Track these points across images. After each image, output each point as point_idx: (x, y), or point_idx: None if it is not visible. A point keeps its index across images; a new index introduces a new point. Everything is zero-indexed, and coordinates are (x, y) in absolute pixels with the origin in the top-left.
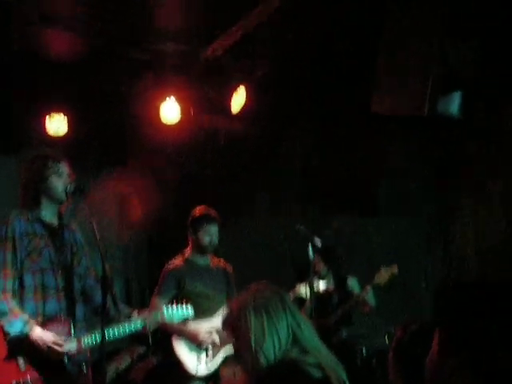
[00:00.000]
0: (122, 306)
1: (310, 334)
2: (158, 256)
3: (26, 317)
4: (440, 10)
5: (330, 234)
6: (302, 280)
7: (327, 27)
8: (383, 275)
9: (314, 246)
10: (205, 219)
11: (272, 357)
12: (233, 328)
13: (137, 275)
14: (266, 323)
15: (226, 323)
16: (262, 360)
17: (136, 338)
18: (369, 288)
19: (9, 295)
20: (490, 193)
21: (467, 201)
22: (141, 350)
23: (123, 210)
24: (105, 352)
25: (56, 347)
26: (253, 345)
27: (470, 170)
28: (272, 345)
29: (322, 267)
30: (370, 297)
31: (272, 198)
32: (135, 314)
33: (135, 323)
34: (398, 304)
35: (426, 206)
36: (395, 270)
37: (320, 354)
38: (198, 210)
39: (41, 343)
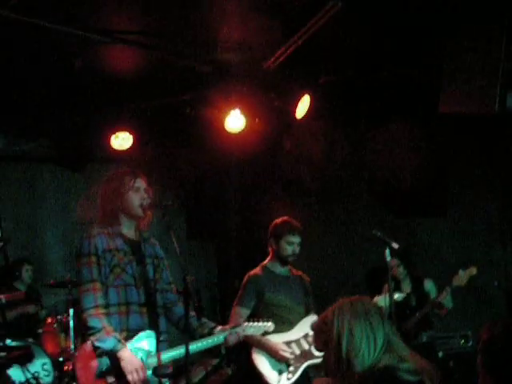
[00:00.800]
0: (204, 320)
1: (401, 342)
2: (226, 264)
3: (118, 336)
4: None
5: (403, 236)
6: (378, 285)
7: (392, 30)
8: (462, 277)
9: (391, 250)
10: (289, 229)
11: (368, 362)
12: (325, 334)
13: (207, 284)
14: (366, 329)
15: (317, 330)
16: (358, 366)
17: (208, 349)
18: (448, 291)
19: (101, 311)
20: None
21: None
22: (214, 361)
23: (191, 221)
24: (189, 366)
25: (132, 375)
26: (345, 350)
27: None
28: (368, 351)
29: (400, 270)
30: (447, 300)
31: (343, 206)
32: (218, 328)
33: (217, 338)
34: (471, 305)
35: (496, 205)
36: (474, 271)
37: (414, 359)
38: (281, 220)
39: (124, 365)
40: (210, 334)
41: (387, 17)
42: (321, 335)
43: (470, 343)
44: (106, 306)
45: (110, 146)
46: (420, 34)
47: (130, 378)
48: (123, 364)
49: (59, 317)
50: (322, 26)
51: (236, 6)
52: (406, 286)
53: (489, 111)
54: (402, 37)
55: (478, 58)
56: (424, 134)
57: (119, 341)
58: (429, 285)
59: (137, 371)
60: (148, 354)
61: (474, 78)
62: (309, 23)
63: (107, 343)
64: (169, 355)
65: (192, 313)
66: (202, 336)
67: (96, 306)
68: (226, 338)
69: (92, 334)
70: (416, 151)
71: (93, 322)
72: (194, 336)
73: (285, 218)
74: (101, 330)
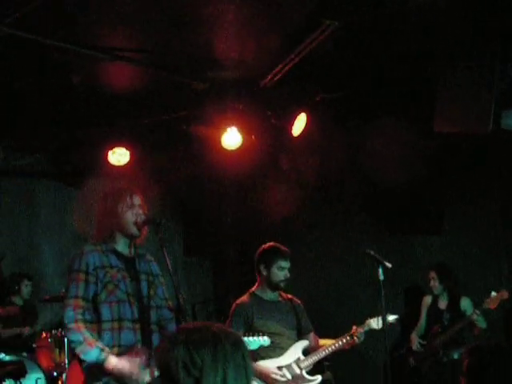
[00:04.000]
0: None
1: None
2: (222, 280)
3: (101, 345)
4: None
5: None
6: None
7: (387, 50)
8: (493, 300)
9: (384, 268)
10: (278, 254)
11: None
12: (160, 363)
13: (203, 302)
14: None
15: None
16: None
17: None
18: (478, 312)
19: (81, 325)
20: None
21: None
22: None
23: (188, 237)
24: None
25: (131, 375)
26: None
27: None
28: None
29: (437, 285)
30: (479, 320)
31: (339, 223)
32: None
33: None
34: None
35: (491, 222)
36: (506, 295)
37: None
38: (269, 246)
39: (116, 371)
40: None
41: (383, 36)
42: (159, 363)
43: None
44: (99, 322)
45: (107, 161)
46: (415, 53)
47: (133, 377)
48: (116, 371)
49: (54, 331)
50: (319, 44)
51: (233, 23)
52: (443, 302)
53: (483, 130)
54: (398, 55)
55: (472, 78)
56: (421, 152)
57: (102, 349)
58: (465, 303)
59: (129, 373)
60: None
61: (468, 98)
62: (305, 42)
63: (90, 355)
64: None
65: None
66: None
67: (76, 321)
68: None
69: (75, 348)
70: (413, 169)
71: (73, 335)
72: None
73: (272, 243)
74: (82, 342)
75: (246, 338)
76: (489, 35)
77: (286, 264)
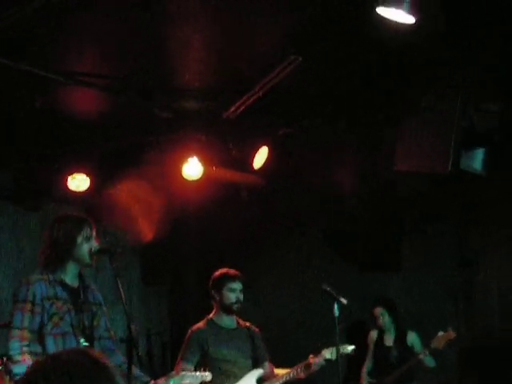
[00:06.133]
0: (138, 373)
1: None
2: (179, 310)
3: None
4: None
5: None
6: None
7: (349, 84)
8: (440, 340)
9: (340, 305)
10: (227, 277)
11: None
12: None
13: (158, 330)
14: None
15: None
16: None
17: None
18: (426, 353)
19: (27, 357)
20: None
21: (491, 255)
22: None
23: (146, 266)
24: None
25: None
26: None
27: (493, 224)
28: None
29: (385, 320)
30: (428, 360)
31: (295, 259)
32: (152, 382)
33: None
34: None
35: (449, 260)
36: (452, 335)
37: None
38: (219, 272)
39: None
40: None
41: (348, 72)
42: None
43: None
44: (43, 355)
45: (66, 186)
46: (378, 88)
47: None
48: None
49: (4, 358)
50: (283, 77)
51: (198, 53)
52: (390, 337)
53: (442, 170)
54: (360, 90)
55: (433, 117)
56: (380, 189)
57: None
58: (412, 337)
59: None
60: None
61: (429, 137)
62: (270, 75)
63: None
64: None
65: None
66: None
67: (22, 353)
68: None
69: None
70: (371, 205)
71: (18, 368)
72: None
73: (222, 269)
74: None
75: (188, 373)
76: (451, 77)
77: (236, 286)
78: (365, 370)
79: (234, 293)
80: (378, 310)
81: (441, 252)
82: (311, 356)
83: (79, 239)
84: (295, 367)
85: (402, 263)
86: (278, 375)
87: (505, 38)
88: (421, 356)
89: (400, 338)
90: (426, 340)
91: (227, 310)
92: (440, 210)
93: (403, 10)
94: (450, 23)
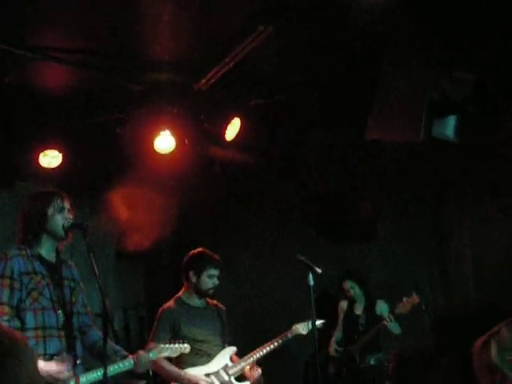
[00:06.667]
0: (117, 348)
1: None
2: (154, 284)
3: None
4: (435, 40)
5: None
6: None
7: (322, 54)
8: (405, 305)
9: (315, 274)
10: (208, 262)
11: None
12: None
13: (134, 304)
14: None
15: None
16: None
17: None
18: (391, 318)
19: None
20: (489, 215)
21: (466, 223)
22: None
23: (119, 240)
24: None
25: (58, 378)
26: None
27: (468, 193)
28: None
29: (357, 291)
30: (394, 326)
31: (271, 230)
32: (129, 356)
33: (128, 363)
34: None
35: (424, 230)
36: (416, 300)
37: None
38: (199, 252)
39: (44, 374)
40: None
41: (322, 39)
42: None
43: None
44: (23, 329)
45: (38, 163)
46: (353, 58)
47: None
48: (44, 374)
49: None
50: (253, 49)
51: (169, 26)
52: (359, 307)
53: (414, 139)
54: (334, 60)
55: (404, 87)
56: (356, 159)
57: None
58: (381, 306)
59: (60, 373)
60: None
61: (401, 106)
62: (240, 46)
63: None
64: (87, 378)
65: (109, 341)
66: (114, 361)
67: None
68: (134, 364)
69: None
70: (348, 176)
71: None
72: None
73: (201, 249)
74: None
75: (166, 345)
76: (428, 45)
77: (216, 272)
78: (334, 339)
79: (212, 279)
80: (348, 283)
81: (416, 221)
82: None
83: (50, 211)
84: (266, 344)
85: (377, 233)
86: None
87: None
88: (385, 322)
89: (369, 307)
90: None
91: (202, 294)
92: (415, 179)
93: None
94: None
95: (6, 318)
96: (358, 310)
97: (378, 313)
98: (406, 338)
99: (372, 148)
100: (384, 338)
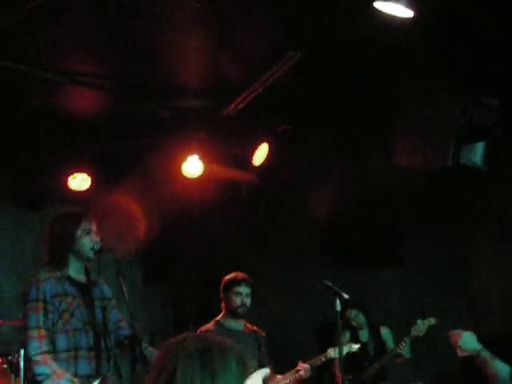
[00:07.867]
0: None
1: None
2: (183, 310)
3: (69, 376)
4: (460, 66)
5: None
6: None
7: (346, 82)
8: (420, 327)
9: (342, 300)
10: (235, 280)
11: None
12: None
13: (162, 330)
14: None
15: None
16: None
17: None
18: (406, 341)
19: (48, 357)
20: None
21: (489, 252)
22: None
23: (148, 265)
24: None
25: None
26: None
27: (492, 220)
28: None
29: (361, 319)
30: (406, 350)
31: (294, 255)
32: None
33: None
34: (424, 355)
35: (448, 257)
36: (432, 321)
37: None
38: (230, 274)
39: None
40: None
41: (346, 68)
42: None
43: None
44: (55, 352)
45: (67, 186)
46: (377, 84)
47: None
48: None
49: (10, 357)
50: (282, 74)
51: (197, 52)
52: (364, 335)
53: (443, 165)
54: (359, 86)
55: (432, 112)
56: (379, 187)
57: (71, 381)
58: (385, 333)
59: None
60: None
61: (429, 132)
62: (268, 72)
63: None
64: None
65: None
66: None
67: (42, 353)
68: None
69: (43, 381)
70: (371, 203)
71: (40, 368)
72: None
73: (234, 273)
74: (50, 375)
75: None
76: (453, 73)
77: (241, 289)
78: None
79: (239, 296)
80: (350, 312)
81: (441, 250)
82: (300, 362)
83: (78, 233)
84: (287, 374)
85: (401, 261)
86: (278, 377)
87: (503, 30)
88: (401, 345)
89: (374, 334)
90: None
91: (233, 313)
92: (438, 207)
93: (401, 4)
94: (447, 17)
95: (45, 341)
96: (364, 337)
97: (383, 339)
98: (430, 366)
99: (398, 174)
100: (389, 369)
